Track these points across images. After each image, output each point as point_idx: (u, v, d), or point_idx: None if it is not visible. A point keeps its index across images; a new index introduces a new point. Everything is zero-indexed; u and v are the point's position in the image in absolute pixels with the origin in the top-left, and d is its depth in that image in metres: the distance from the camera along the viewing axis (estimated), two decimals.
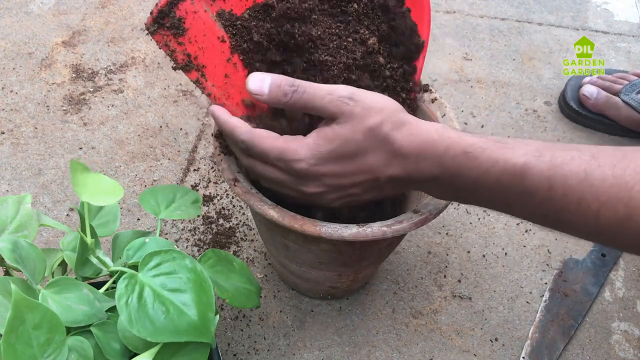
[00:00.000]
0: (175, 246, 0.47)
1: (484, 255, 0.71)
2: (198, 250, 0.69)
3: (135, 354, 0.41)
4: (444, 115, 0.55)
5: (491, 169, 0.39)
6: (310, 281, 0.61)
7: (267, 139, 0.43)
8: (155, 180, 0.76)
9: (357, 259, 0.55)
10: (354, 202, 0.46)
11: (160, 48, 0.43)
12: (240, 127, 0.44)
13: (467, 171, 0.40)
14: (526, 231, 0.74)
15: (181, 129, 0.83)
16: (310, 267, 0.57)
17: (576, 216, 0.37)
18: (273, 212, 0.47)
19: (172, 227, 0.71)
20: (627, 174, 0.36)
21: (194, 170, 0.78)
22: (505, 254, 0.72)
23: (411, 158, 0.42)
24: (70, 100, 0.85)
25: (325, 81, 0.46)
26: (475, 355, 0.63)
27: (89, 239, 0.43)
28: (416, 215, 0.48)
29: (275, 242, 0.56)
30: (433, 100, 0.56)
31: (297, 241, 0.52)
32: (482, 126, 0.87)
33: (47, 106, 0.84)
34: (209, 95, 0.46)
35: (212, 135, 0.52)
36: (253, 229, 0.72)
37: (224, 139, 0.52)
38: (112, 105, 0.85)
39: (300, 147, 0.42)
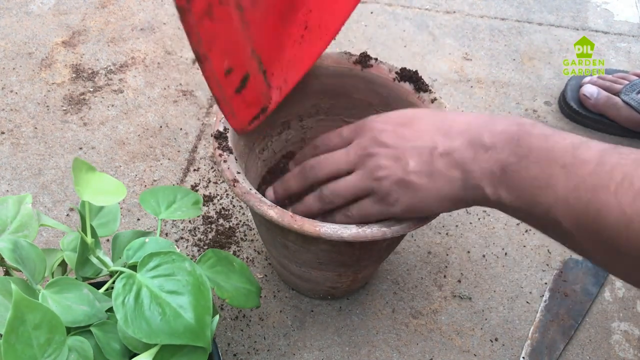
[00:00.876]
0: (176, 246, 0.47)
1: (484, 255, 0.71)
2: (198, 250, 0.69)
3: (135, 354, 0.41)
4: None
5: (549, 136, 0.38)
6: (310, 281, 0.61)
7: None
8: (155, 180, 0.76)
9: (357, 259, 0.55)
10: (399, 177, 0.44)
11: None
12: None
13: (527, 136, 0.39)
14: (526, 231, 0.74)
15: (181, 129, 0.83)
16: (310, 267, 0.57)
17: (612, 196, 0.33)
18: (272, 212, 0.47)
19: (172, 227, 0.71)
20: None
21: (194, 170, 0.78)
22: (505, 254, 0.72)
23: (474, 125, 0.42)
24: (70, 100, 0.85)
25: None
26: (475, 355, 0.63)
27: (89, 239, 0.43)
28: None
29: (275, 242, 0.56)
30: (433, 100, 0.56)
31: (297, 241, 0.52)
32: None
33: (47, 106, 0.84)
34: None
35: (211, 135, 0.53)
36: (253, 229, 0.72)
37: (224, 139, 0.52)
38: (112, 105, 0.85)
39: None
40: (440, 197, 0.43)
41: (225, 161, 0.50)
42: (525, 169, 0.38)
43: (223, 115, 0.54)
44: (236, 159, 0.51)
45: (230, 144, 0.52)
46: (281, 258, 0.59)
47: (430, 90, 0.57)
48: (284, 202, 0.57)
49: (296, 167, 0.53)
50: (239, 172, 0.50)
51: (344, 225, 0.46)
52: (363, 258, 0.55)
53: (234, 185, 0.49)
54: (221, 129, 0.53)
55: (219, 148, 0.51)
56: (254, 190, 0.49)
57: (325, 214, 0.51)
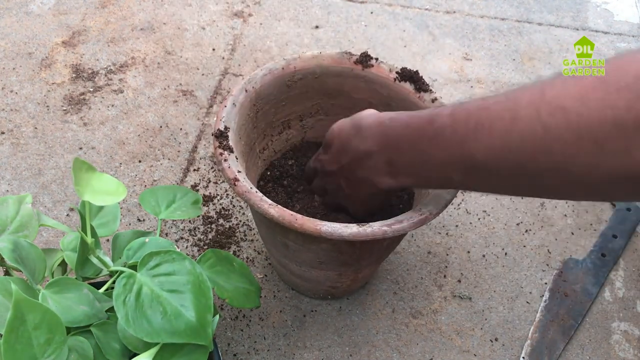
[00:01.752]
0: (175, 246, 0.47)
1: (484, 255, 0.71)
2: (198, 250, 0.69)
3: (135, 354, 0.41)
4: None
5: (409, 121, 0.46)
6: (311, 281, 0.61)
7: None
8: (155, 180, 0.76)
9: (357, 259, 0.55)
10: (351, 200, 0.55)
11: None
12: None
13: (392, 130, 0.47)
14: (526, 231, 0.74)
15: (181, 129, 0.83)
16: (311, 266, 0.57)
17: (473, 142, 0.40)
18: (273, 211, 0.47)
19: (172, 227, 0.71)
20: (515, 91, 0.39)
21: (194, 170, 0.78)
22: (505, 254, 0.72)
23: (358, 137, 0.50)
24: (70, 100, 0.85)
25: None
26: (475, 355, 0.63)
27: (89, 239, 0.43)
28: (416, 215, 0.48)
29: (275, 241, 0.56)
30: (433, 100, 0.56)
31: (297, 240, 0.52)
32: None
33: (47, 106, 0.84)
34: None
35: (212, 135, 0.53)
36: (253, 229, 0.72)
37: (225, 138, 0.52)
38: (112, 105, 0.85)
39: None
40: (371, 195, 0.52)
41: (225, 160, 0.50)
42: (404, 155, 0.46)
43: (224, 114, 0.54)
44: (237, 158, 0.51)
45: (231, 143, 0.52)
46: (281, 258, 0.59)
47: (430, 90, 0.57)
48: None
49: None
50: (239, 171, 0.50)
51: (344, 225, 0.46)
52: (363, 257, 0.55)
53: (234, 184, 0.49)
54: (222, 128, 0.53)
55: (219, 147, 0.51)
56: (254, 189, 0.49)
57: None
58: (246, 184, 0.49)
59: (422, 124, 0.44)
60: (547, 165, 0.37)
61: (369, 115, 0.51)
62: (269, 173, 0.64)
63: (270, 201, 0.48)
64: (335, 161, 0.53)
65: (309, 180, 0.61)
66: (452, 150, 0.42)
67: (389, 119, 0.48)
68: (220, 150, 0.51)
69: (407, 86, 0.58)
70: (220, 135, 0.52)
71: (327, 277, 0.59)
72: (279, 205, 0.47)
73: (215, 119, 0.54)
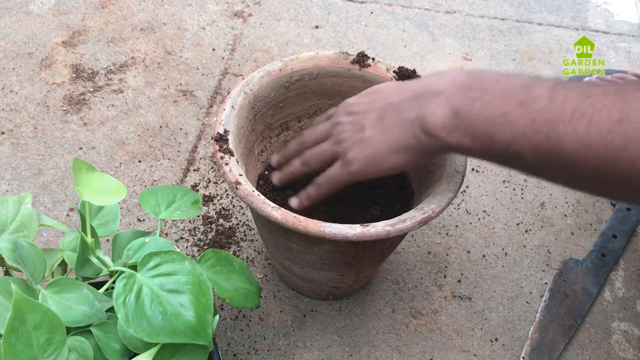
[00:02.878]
0: (175, 246, 0.47)
1: (484, 255, 0.71)
2: (198, 250, 0.69)
3: (135, 354, 0.41)
4: None
5: (500, 79, 0.40)
6: (313, 282, 0.61)
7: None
8: (155, 180, 0.76)
9: (360, 259, 0.55)
10: (357, 137, 0.47)
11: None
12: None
13: (478, 82, 0.41)
14: (526, 231, 0.74)
15: (181, 129, 0.83)
16: (313, 268, 0.57)
17: (568, 126, 0.36)
18: (276, 214, 0.47)
19: (172, 227, 0.71)
20: (626, 90, 0.36)
21: (194, 170, 0.78)
22: (505, 254, 0.72)
23: (424, 78, 0.45)
24: (70, 100, 0.85)
25: None
26: (475, 355, 0.63)
27: (89, 239, 0.43)
28: (419, 213, 0.48)
29: (277, 244, 0.56)
30: None
31: (300, 242, 0.52)
32: None
33: (47, 106, 0.84)
34: None
35: (212, 138, 0.53)
36: (253, 229, 0.72)
37: (225, 142, 0.52)
38: (112, 105, 0.85)
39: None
40: (393, 147, 0.45)
41: (227, 164, 0.50)
42: (480, 109, 0.40)
43: (223, 117, 0.54)
44: (237, 161, 0.51)
45: (231, 146, 0.52)
46: (283, 260, 0.59)
47: None
48: (284, 179, 0.57)
49: (294, 141, 0.58)
50: (241, 175, 0.50)
51: (348, 225, 0.46)
52: (366, 257, 0.55)
53: (236, 187, 0.49)
54: (221, 131, 0.53)
55: (220, 151, 0.51)
56: (256, 192, 0.49)
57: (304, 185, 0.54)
58: (248, 187, 0.49)
59: (516, 85, 0.39)
60: None
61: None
62: (267, 173, 0.64)
63: (273, 204, 0.48)
64: (377, 100, 0.47)
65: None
66: (538, 125, 0.37)
67: (479, 72, 0.42)
68: (221, 154, 0.51)
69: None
70: (220, 139, 0.52)
71: (329, 277, 0.59)
72: (282, 208, 0.47)
73: (215, 120, 0.54)
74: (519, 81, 0.40)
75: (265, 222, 0.53)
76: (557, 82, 0.38)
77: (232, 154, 0.51)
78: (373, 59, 0.60)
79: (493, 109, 0.39)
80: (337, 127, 0.49)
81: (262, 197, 0.48)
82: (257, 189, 0.61)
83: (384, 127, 0.45)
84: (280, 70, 0.59)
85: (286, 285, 0.67)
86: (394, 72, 0.59)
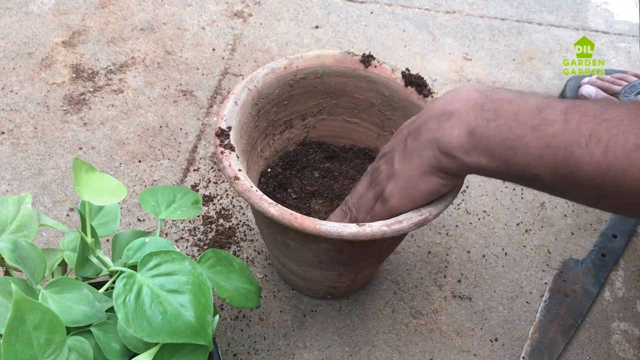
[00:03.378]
0: (175, 246, 0.47)
1: (484, 255, 0.71)
2: (198, 250, 0.69)
3: (135, 354, 0.41)
4: None
5: (513, 99, 0.40)
6: (310, 280, 0.61)
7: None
8: (155, 180, 0.76)
9: (357, 259, 0.55)
10: (389, 172, 0.48)
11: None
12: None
13: (491, 101, 0.41)
14: (526, 231, 0.74)
15: (181, 129, 0.83)
16: (310, 266, 0.57)
17: (585, 151, 0.37)
18: (273, 210, 0.47)
19: (172, 227, 0.71)
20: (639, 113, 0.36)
21: (194, 170, 0.78)
22: (505, 254, 0.72)
23: (438, 101, 0.45)
24: (70, 100, 0.85)
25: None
26: (475, 355, 0.63)
27: (89, 239, 0.43)
28: (416, 215, 0.48)
29: (275, 241, 0.56)
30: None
31: (297, 240, 0.52)
32: None
33: (47, 106, 0.84)
34: None
35: (215, 134, 0.53)
36: (253, 228, 0.72)
37: (226, 137, 0.52)
38: (112, 105, 0.85)
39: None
40: (420, 172, 0.45)
41: (226, 158, 0.50)
42: (495, 131, 0.40)
43: (226, 113, 0.54)
44: (237, 157, 0.51)
45: (232, 141, 0.52)
46: (281, 257, 0.59)
47: (432, 93, 0.57)
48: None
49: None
50: (240, 170, 0.50)
51: (343, 224, 0.46)
52: (363, 257, 0.55)
53: (235, 182, 0.49)
54: (223, 127, 0.53)
55: (220, 145, 0.51)
56: (254, 188, 0.49)
57: None
58: (246, 182, 0.49)
59: (529, 108, 0.39)
60: None
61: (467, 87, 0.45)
62: (269, 170, 0.64)
63: (270, 200, 0.48)
64: (399, 132, 0.47)
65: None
66: (554, 149, 0.38)
67: (490, 89, 0.42)
68: (221, 149, 0.51)
69: (410, 87, 0.58)
70: (222, 134, 0.52)
71: (326, 277, 0.59)
72: (278, 204, 0.47)
73: (216, 117, 0.54)
74: (532, 103, 0.40)
75: (263, 219, 0.53)
76: (570, 105, 0.39)
77: (232, 149, 0.51)
78: (378, 60, 0.60)
79: (508, 131, 0.39)
80: (375, 173, 0.50)
81: (260, 193, 0.48)
82: (258, 186, 0.61)
83: (408, 156, 0.45)
84: (285, 68, 0.59)
85: (286, 285, 0.67)
86: (402, 73, 0.59)
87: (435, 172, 0.44)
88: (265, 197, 0.48)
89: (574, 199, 0.41)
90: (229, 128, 0.53)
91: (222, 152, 0.51)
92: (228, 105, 0.55)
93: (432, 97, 0.57)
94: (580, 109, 0.38)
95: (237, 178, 0.49)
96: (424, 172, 0.45)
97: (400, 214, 0.48)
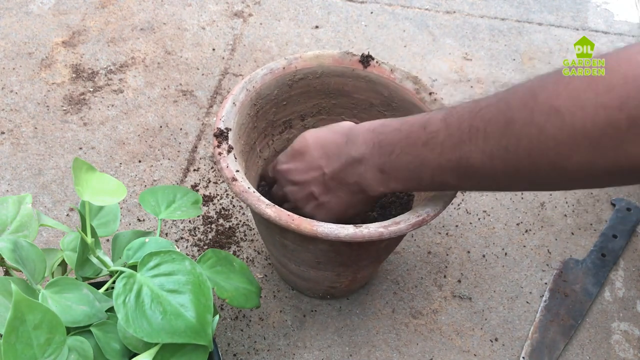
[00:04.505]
0: (175, 246, 0.47)
1: (484, 255, 0.71)
2: (198, 250, 0.69)
3: (135, 354, 0.41)
4: None
5: (401, 127, 0.46)
6: (309, 281, 0.61)
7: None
8: (155, 180, 0.76)
9: (355, 259, 0.55)
10: (315, 204, 0.53)
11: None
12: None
13: (384, 136, 0.47)
14: (526, 231, 0.74)
15: (181, 129, 0.83)
16: (309, 266, 0.57)
17: (470, 145, 0.40)
18: (270, 211, 0.47)
19: (172, 227, 0.71)
20: (506, 96, 0.40)
21: (194, 170, 0.78)
22: (505, 254, 0.72)
23: (342, 145, 0.50)
24: (70, 100, 0.85)
25: None
26: (475, 355, 0.63)
27: (89, 239, 0.43)
28: (413, 216, 0.48)
29: (274, 241, 0.56)
30: (434, 101, 0.56)
31: (295, 241, 0.52)
32: None
33: (47, 106, 0.84)
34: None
35: (213, 134, 0.53)
36: (253, 229, 0.72)
37: (224, 138, 0.52)
38: (112, 105, 0.85)
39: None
40: (348, 205, 0.52)
41: (224, 159, 0.50)
42: (397, 161, 0.46)
43: (224, 113, 0.54)
44: (235, 158, 0.51)
45: (230, 142, 0.52)
46: (280, 257, 0.59)
47: (431, 92, 0.57)
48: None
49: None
50: (237, 171, 0.50)
51: (341, 225, 0.46)
52: (361, 258, 0.55)
53: (232, 183, 0.49)
54: (221, 127, 0.53)
55: (218, 146, 0.51)
56: (252, 189, 0.49)
57: None
58: (244, 183, 0.49)
59: (415, 129, 0.45)
60: (542, 165, 0.37)
61: (354, 124, 0.51)
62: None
63: (267, 201, 0.48)
64: (311, 168, 0.52)
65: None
66: (447, 155, 0.42)
67: (380, 125, 0.48)
68: (219, 150, 0.51)
69: (409, 86, 0.58)
70: (220, 135, 0.52)
71: (325, 277, 0.59)
72: (276, 206, 0.47)
73: (215, 118, 0.54)
74: (416, 124, 0.45)
75: (262, 220, 0.53)
76: (448, 111, 0.43)
77: (230, 150, 0.51)
78: (377, 60, 0.60)
79: (406, 155, 0.45)
80: (289, 195, 0.55)
81: (257, 194, 0.48)
82: (257, 188, 0.61)
83: (333, 193, 0.52)
84: (284, 68, 0.59)
85: (286, 285, 0.67)
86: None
87: (360, 202, 0.52)
88: (262, 198, 0.48)
89: (480, 189, 0.47)
90: (227, 129, 0.53)
91: (219, 153, 0.51)
92: (226, 106, 0.54)
93: (431, 94, 0.57)
94: (456, 111, 0.42)
95: (234, 179, 0.49)
96: (352, 205, 0.52)
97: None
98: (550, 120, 0.36)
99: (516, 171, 0.39)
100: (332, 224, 0.46)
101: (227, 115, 0.54)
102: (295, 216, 0.47)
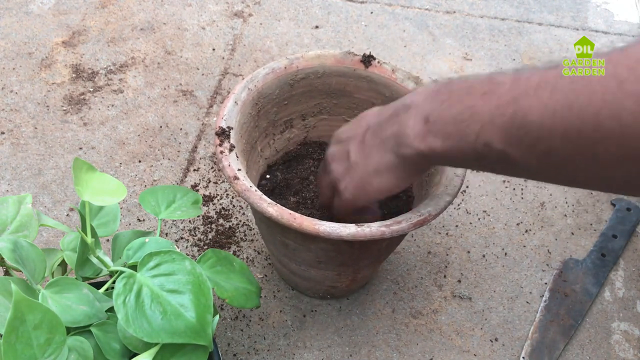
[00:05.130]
0: (175, 246, 0.47)
1: (484, 255, 0.71)
2: (198, 250, 0.69)
3: (135, 354, 0.41)
4: None
5: (469, 77, 0.40)
6: (310, 280, 0.61)
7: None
8: (155, 180, 0.76)
9: (356, 259, 0.55)
10: (346, 166, 0.47)
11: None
12: None
13: (446, 86, 0.41)
14: (526, 231, 0.74)
15: (181, 129, 0.83)
16: (310, 266, 0.57)
17: (532, 98, 0.35)
18: (272, 210, 0.47)
19: (172, 227, 0.71)
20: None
21: (194, 170, 0.78)
22: (505, 254, 0.72)
23: (400, 99, 0.45)
24: (70, 100, 0.85)
25: None
26: (475, 355, 0.63)
27: (89, 239, 0.43)
28: (415, 215, 0.48)
29: (275, 240, 0.56)
30: None
31: (297, 240, 0.52)
32: None
33: (47, 106, 0.84)
34: None
35: (215, 133, 0.53)
36: (253, 228, 0.72)
37: (226, 137, 0.52)
38: (112, 105, 0.85)
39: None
40: (377, 169, 0.45)
41: (226, 158, 0.50)
42: (447, 109, 0.39)
43: (226, 112, 0.54)
44: (237, 156, 0.51)
45: (232, 141, 0.52)
46: (281, 256, 0.59)
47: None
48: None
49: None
50: (239, 170, 0.50)
51: (342, 225, 0.46)
52: (362, 257, 0.55)
53: (234, 182, 0.49)
54: (223, 126, 0.53)
55: (220, 145, 0.51)
56: (254, 188, 0.49)
57: None
58: (246, 182, 0.49)
59: (481, 79, 0.39)
60: (610, 130, 0.31)
61: None
62: (270, 169, 0.64)
63: (269, 200, 0.48)
64: (360, 126, 0.47)
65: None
66: (503, 107, 0.36)
67: (446, 78, 0.42)
68: (221, 149, 0.51)
69: (411, 87, 0.58)
70: (222, 133, 0.52)
71: (326, 276, 0.59)
72: (278, 204, 0.47)
73: (216, 118, 0.54)
74: (485, 75, 0.39)
75: (263, 219, 0.53)
76: (522, 67, 0.38)
77: (232, 149, 0.51)
78: (379, 60, 0.60)
79: (459, 104, 0.39)
80: (328, 159, 0.50)
81: (259, 192, 0.48)
82: (258, 187, 0.61)
83: (366, 150, 0.45)
84: (285, 67, 0.59)
85: (286, 285, 0.67)
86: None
87: (392, 169, 0.44)
88: (264, 196, 0.48)
89: (530, 166, 0.37)
90: (229, 128, 0.53)
91: (221, 152, 0.51)
92: (228, 105, 0.54)
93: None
94: (533, 67, 0.37)
95: (236, 178, 0.49)
96: (380, 170, 0.45)
97: (359, 206, 0.49)
98: (635, 73, 0.30)
99: (576, 139, 0.33)
100: (334, 223, 0.46)
101: (229, 114, 0.54)
102: (297, 215, 0.47)
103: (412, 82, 0.58)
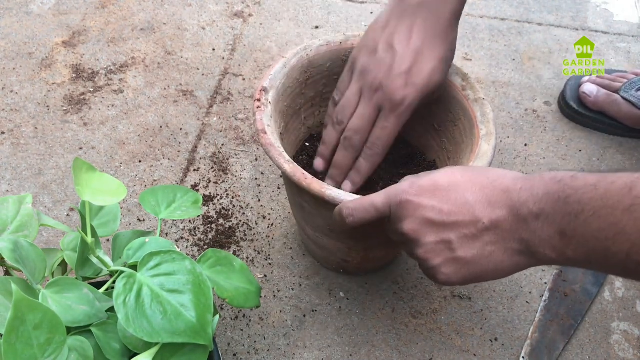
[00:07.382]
0: (176, 246, 0.47)
1: None
2: (198, 250, 0.69)
3: (135, 354, 0.41)
4: (484, 115, 0.55)
5: (597, 184, 0.37)
6: (324, 249, 0.62)
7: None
8: (155, 180, 0.76)
9: (364, 234, 0.55)
10: (447, 257, 0.43)
11: None
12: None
13: (573, 192, 0.38)
14: None
15: (181, 129, 0.83)
16: (323, 233, 0.58)
17: None
18: (287, 167, 0.49)
19: (172, 227, 0.71)
20: None
21: (194, 170, 0.78)
22: None
23: (514, 191, 0.41)
24: (70, 100, 0.85)
25: None
26: (475, 355, 0.63)
27: (89, 239, 0.43)
28: None
29: (295, 202, 0.58)
30: (476, 100, 0.57)
31: (310, 203, 0.54)
32: None
33: (47, 106, 0.84)
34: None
35: (257, 90, 0.55)
36: (253, 228, 0.72)
37: (266, 93, 0.55)
38: (112, 105, 0.85)
39: (400, 184, 0.45)
40: (498, 267, 0.43)
41: (260, 112, 0.53)
42: (585, 225, 0.37)
43: (272, 73, 0.56)
44: (271, 115, 0.54)
45: (270, 99, 0.54)
46: (300, 220, 0.61)
47: (477, 91, 0.57)
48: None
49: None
50: (269, 125, 0.52)
51: (349, 194, 0.48)
52: (370, 234, 0.55)
53: (261, 135, 0.51)
54: (266, 85, 0.55)
55: (259, 100, 0.53)
56: (277, 144, 0.51)
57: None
58: (271, 138, 0.51)
59: (616, 189, 0.36)
60: None
61: (519, 173, 0.42)
62: (307, 144, 0.66)
63: (287, 157, 0.50)
64: (461, 212, 0.42)
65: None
66: None
67: (570, 178, 0.39)
68: (258, 104, 0.53)
69: (457, 82, 0.58)
70: (263, 90, 0.55)
71: (338, 248, 0.60)
72: (294, 163, 0.49)
73: (263, 76, 0.57)
74: (619, 183, 0.36)
75: (286, 179, 0.56)
76: None
77: (267, 106, 0.53)
78: None
79: (599, 222, 0.36)
80: (412, 235, 0.45)
81: (281, 149, 0.50)
82: (297, 155, 0.64)
83: (481, 248, 0.42)
84: (340, 43, 0.61)
85: (286, 285, 0.67)
86: None
87: (516, 267, 0.43)
88: (284, 154, 0.50)
89: None
90: (271, 87, 0.55)
91: (258, 107, 0.53)
92: (276, 67, 0.57)
93: (475, 92, 0.57)
94: None
95: (264, 132, 0.51)
96: (503, 268, 0.43)
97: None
98: None
99: None
100: (340, 190, 0.48)
101: (275, 75, 0.56)
102: (309, 175, 0.48)
103: (459, 77, 0.58)
